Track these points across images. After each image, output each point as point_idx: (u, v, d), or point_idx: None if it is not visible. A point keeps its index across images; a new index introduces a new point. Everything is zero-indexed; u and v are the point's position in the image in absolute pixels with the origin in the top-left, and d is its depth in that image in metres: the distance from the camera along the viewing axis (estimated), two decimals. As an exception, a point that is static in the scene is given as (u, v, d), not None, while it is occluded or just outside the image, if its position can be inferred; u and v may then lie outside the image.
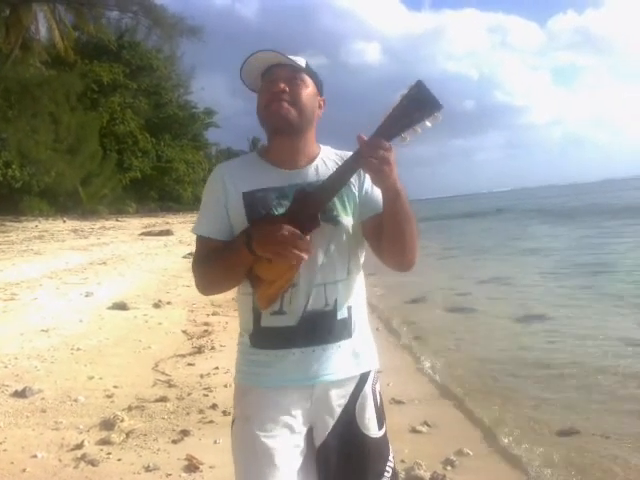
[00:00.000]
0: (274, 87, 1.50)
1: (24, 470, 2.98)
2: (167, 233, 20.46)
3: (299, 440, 1.52)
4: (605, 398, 4.37)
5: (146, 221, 28.84)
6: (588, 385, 4.67)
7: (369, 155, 1.33)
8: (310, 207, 1.41)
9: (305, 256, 1.37)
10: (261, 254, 1.40)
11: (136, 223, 27.00)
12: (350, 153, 1.61)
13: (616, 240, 16.62)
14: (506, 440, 3.66)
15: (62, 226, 22.27)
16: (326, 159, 1.60)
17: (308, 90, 1.54)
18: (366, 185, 1.56)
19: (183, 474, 3.00)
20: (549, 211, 40.15)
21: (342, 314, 1.53)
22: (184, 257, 12.41)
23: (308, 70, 1.56)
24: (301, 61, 1.55)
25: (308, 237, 1.41)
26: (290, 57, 1.52)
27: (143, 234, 20.60)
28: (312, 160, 1.59)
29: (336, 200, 1.50)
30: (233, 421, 1.57)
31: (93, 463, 3.06)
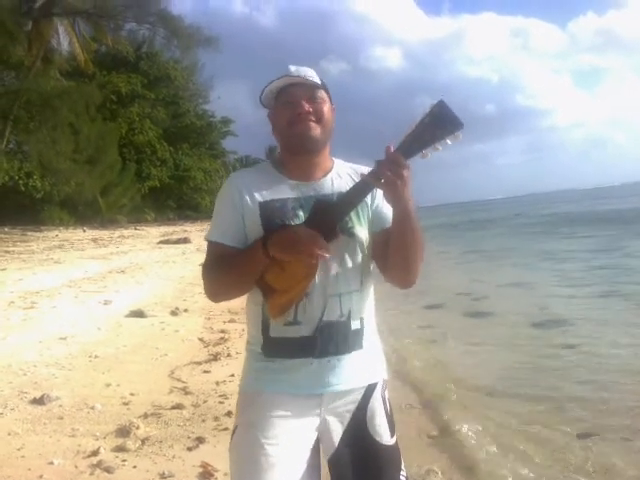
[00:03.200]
0: (298, 108, 1.50)
1: (41, 476, 2.99)
2: (185, 241, 20.65)
3: (305, 449, 1.51)
4: (625, 401, 4.30)
5: (164, 229, 29.12)
6: (608, 389, 4.59)
7: (385, 169, 1.36)
8: (329, 219, 1.42)
9: (326, 255, 1.37)
10: (277, 255, 1.41)
11: (154, 232, 27.26)
12: (361, 166, 1.64)
13: (634, 244, 16.38)
14: (524, 443, 3.61)
15: (82, 235, 22.58)
16: (340, 172, 1.62)
17: (327, 105, 1.56)
18: (377, 199, 1.58)
19: (198, 481, 2.99)
20: (568, 216, 39.66)
21: (355, 325, 1.54)
22: (201, 265, 12.41)
23: (322, 83, 1.56)
24: (312, 73, 1.55)
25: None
26: (306, 76, 1.53)
27: (161, 242, 20.81)
28: (327, 173, 1.60)
29: (352, 212, 1.51)
30: (235, 429, 1.55)
31: (109, 470, 3.07)
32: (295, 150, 1.55)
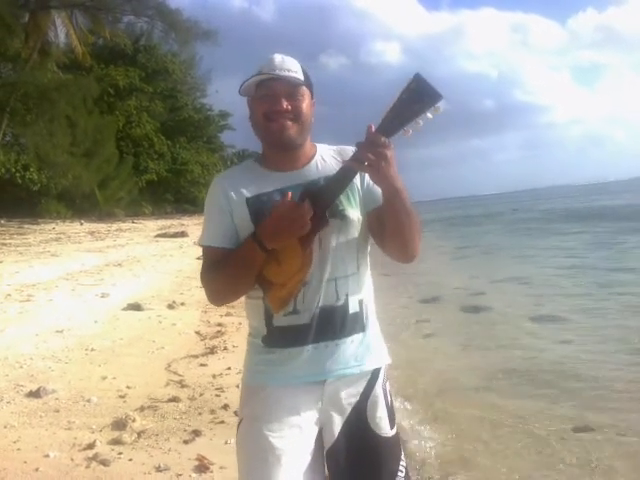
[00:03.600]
0: (276, 105, 1.48)
1: (37, 469, 2.99)
2: (182, 235, 20.62)
3: (309, 441, 1.51)
4: (620, 396, 4.32)
5: (161, 223, 29.07)
6: (603, 384, 4.61)
7: (366, 152, 1.34)
8: (317, 207, 1.41)
9: (307, 217, 1.37)
10: (270, 243, 1.40)
11: (152, 225, 27.21)
12: (345, 147, 1.62)
13: (629, 239, 16.45)
14: (520, 437, 3.63)
15: (79, 228, 22.52)
16: (324, 156, 1.61)
17: (307, 102, 1.53)
18: (367, 179, 1.55)
19: (193, 474, 2.99)
20: (565, 211, 39.72)
21: (354, 308, 1.53)
22: (198, 258, 12.44)
23: (304, 78, 1.53)
24: (297, 67, 1.52)
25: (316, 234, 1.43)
26: (290, 70, 1.49)
27: (158, 236, 20.77)
28: (310, 159, 1.59)
29: (341, 195, 1.49)
30: (240, 422, 1.56)
31: (104, 463, 3.07)
32: (272, 146, 1.55)
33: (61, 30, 24.79)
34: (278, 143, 1.52)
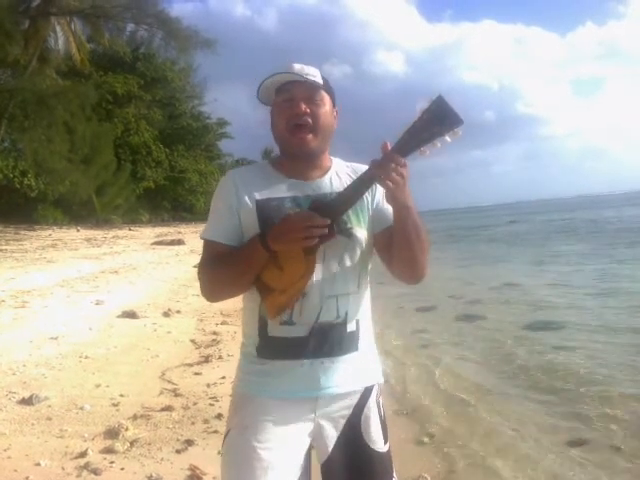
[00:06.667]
0: (295, 108, 1.47)
1: (27, 478, 2.95)
2: (179, 242, 20.64)
3: (299, 454, 1.49)
4: (614, 409, 4.29)
5: (158, 230, 29.07)
6: (599, 394, 4.59)
7: (383, 170, 1.34)
8: (326, 218, 1.40)
9: (325, 230, 1.36)
10: (277, 247, 1.39)
11: (149, 232, 27.21)
12: (360, 165, 1.61)
13: (623, 251, 16.49)
14: (515, 452, 3.59)
15: (76, 235, 22.49)
16: (339, 171, 1.60)
17: (326, 108, 1.52)
18: (378, 198, 1.56)
19: (186, 484, 2.97)
20: (562, 223, 39.82)
21: (351, 327, 1.52)
22: (195, 266, 12.43)
23: (324, 84, 1.52)
24: (316, 73, 1.51)
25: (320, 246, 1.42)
26: (308, 75, 1.49)
27: (155, 243, 20.75)
28: (325, 172, 1.58)
29: (350, 213, 1.49)
30: (228, 431, 1.53)
31: (96, 472, 3.03)
32: (292, 157, 1.54)
33: (60, 37, 24.90)
34: (299, 154, 1.52)
